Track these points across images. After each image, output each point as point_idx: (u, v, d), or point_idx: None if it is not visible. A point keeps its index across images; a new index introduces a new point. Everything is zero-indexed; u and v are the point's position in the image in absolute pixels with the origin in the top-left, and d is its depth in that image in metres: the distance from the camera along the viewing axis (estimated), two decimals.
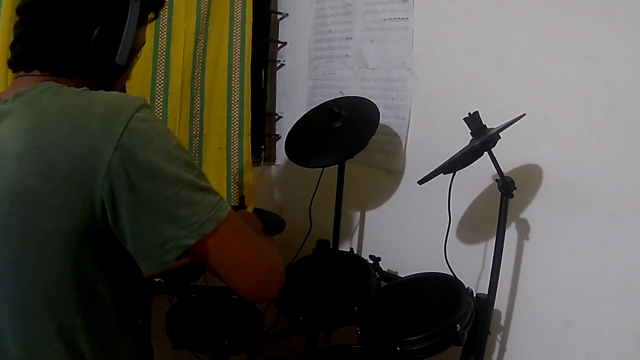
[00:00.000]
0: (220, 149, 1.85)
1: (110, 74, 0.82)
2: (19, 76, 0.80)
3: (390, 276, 1.55)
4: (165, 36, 1.63)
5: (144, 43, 0.88)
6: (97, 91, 0.73)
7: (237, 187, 1.88)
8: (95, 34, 0.76)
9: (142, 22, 0.84)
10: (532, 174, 1.35)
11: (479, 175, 1.41)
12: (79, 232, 0.69)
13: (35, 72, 0.78)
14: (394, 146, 1.68)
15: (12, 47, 0.80)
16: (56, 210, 0.67)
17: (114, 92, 0.75)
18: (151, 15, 0.88)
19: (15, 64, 0.80)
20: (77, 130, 0.67)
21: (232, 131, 1.86)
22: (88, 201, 0.67)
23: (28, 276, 0.70)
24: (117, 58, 0.79)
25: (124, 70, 0.83)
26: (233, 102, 1.85)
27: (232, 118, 1.86)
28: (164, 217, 0.69)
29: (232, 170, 1.87)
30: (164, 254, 0.70)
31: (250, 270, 0.77)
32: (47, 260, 0.69)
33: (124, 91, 0.92)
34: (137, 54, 0.87)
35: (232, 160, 1.87)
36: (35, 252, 0.69)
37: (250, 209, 1.18)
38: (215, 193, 0.74)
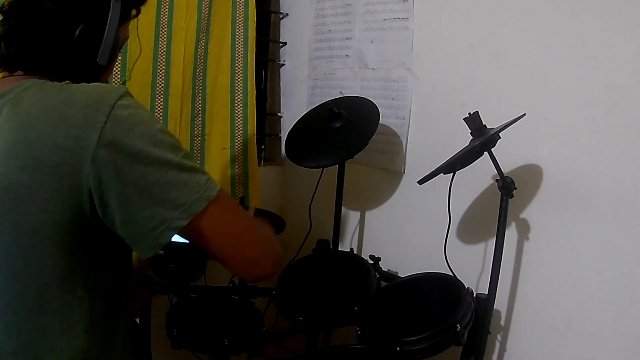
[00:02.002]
0: (224, 149, 1.84)
1: (91, 73, 0.82)
2: (3, 77, 0.80)
3: (390, 276, 1.55)
4: (165, 36, 1.63)
5: (127, 38, 0.89)
6: (79, 84, 0.74)
7: (241, 187, 1.88)
8: (76, 34, 0.76)
9: (124, 19, 0.85)
10: (532, 174, 1.35)
11: (479, 175, 1.41)
12: (68, 224, 0.69)
13: (19, 72, 0.78)
14: (394, 146, 1.68)
15: None
16: (45, 204, 0.68)
17: (95, 83, 0.75)
18: (133, 12, 0.88)
19: None
20: (62, 123, 0.68)
21: (236, 131, 1.86)
22: (75, 192, 0.68)
23: (20, 271, 0.71)
24: (98, 58, 0.79)
25: (106, 69, 0.84)
26: (237, 102, 1.85)
27: (236, 118, 1.86)
28: (154, 200, 0.69)
29: (237, 170, 1.87)
30: (157, 237, 0.70)
31: (244, 246, 0.77)
32: (38, 254, 0.70)
33: None
34: (120, 49, 0.87)
35: (237, 160, 1.87)
36: (27, 246, 0.70)
37: (251, 212, 1.17)
38: (203, 172, 0.74)
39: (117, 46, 0.85)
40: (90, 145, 0.67)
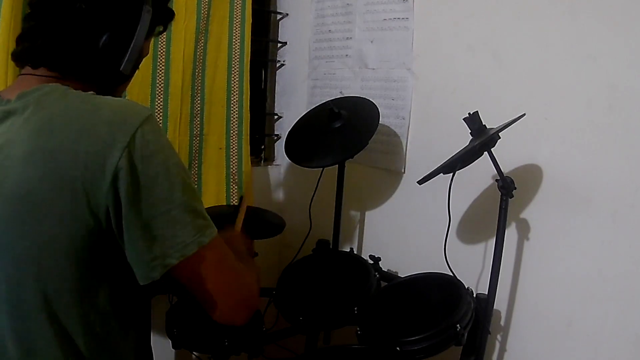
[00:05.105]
0: (220, 149, 1.85)
1: (113, 80, 0.82)
2: (23, 73, 0.79)
3: (390, 276, 1.55)
4: (165, 36, 1.63)
5: (147, 54, 0.88)
6: (104, 96, 0.73)
7: (236, 187, 1.89)
8: (103, 38, 0.76)
9: (149, 34, 0.85)
10: (532, 174, 1.35)
11: (479, 175, 1.41)
12: (84, 238, 0.69)
13: (41, 70, 0.77)
14: (394, 146, 1.68)
15: (20, 40, 0.79)
16: (61, 215, 0.67)
17: (120, 98, 0.75)
18: (159, 29, 0.88)
19: (21, 59, 0.79)
20: (84, 136, 0.67)
21: (232, 131, 1.87)
22: (93, 207, 0.68)
23: (30, 279, 0.70)
24: (122, 67, 0.79)
25: (128, 79, 0.84)
26: (232, 102, 1.85)
27: (232, 118, 1.86)
28: (154, 234, 0.70)
29: (232, 170, 1.88)
30: (150, 270, 0.71)
31: (224, 298, 0.79)
32: (50, 265, 0.69)
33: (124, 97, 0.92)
34: (139, 64, 0.87)
35: (232, 160, 1.88)
36: (38, 256, 0.69)
37: (241, 215, 1.16)
38: (204, 217, 0.75)
39: (141, 57, 0.84)
40: (111, 163, 0.67)
